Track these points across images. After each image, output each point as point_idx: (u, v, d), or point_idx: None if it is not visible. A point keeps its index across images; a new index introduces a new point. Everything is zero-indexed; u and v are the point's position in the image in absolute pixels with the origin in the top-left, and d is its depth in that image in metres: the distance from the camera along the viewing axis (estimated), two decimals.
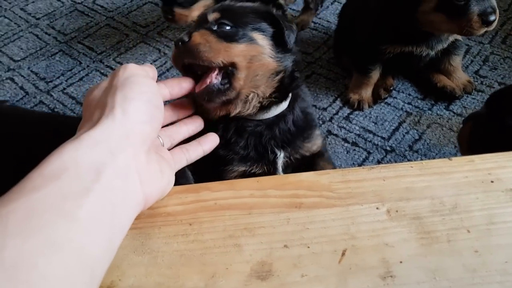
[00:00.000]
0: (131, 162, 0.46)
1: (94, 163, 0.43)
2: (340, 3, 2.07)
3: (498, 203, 0.51)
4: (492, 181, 0.54)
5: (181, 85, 0.64)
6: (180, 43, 0.73)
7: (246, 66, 0.75)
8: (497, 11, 1.26)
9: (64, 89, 1.83)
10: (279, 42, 0.81)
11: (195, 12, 1.65)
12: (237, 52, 0.74)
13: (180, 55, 0.73)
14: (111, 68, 1.93)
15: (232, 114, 0.80)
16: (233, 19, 0.77)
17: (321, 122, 1.61)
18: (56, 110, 1.74)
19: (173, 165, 0.57)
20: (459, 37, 1.52)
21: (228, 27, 0.76)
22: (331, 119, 1.63)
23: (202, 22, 0.79)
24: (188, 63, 0.74)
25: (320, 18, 2.08)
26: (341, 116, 1.64)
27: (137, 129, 0.49)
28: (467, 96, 1.65)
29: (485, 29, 1.27)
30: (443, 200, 0.52)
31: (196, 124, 0.67)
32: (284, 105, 0.85)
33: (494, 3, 1.26)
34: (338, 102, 1.69)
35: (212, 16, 0.77)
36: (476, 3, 1.24)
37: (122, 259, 0.48)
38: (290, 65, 0.83)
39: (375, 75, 1.61)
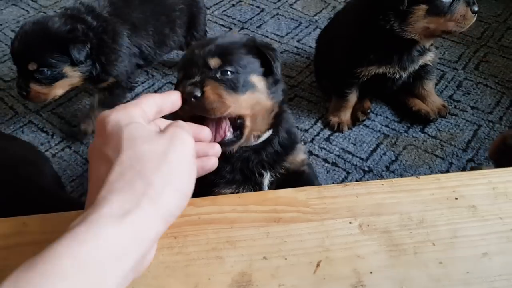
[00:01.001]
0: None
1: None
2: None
3: (461, 218, 0.55)
4: (456, 198, 0.58)
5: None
6: (192, 99, 0.70)
7: (251, 115, 0.79)
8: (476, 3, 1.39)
9: (53, 109, 1.85)
10: (268, 73, 0.84)
11: (57, 90, 1.50)
12: (244, 103, 0.78)
13: (192, 109, 0.71)
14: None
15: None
16: (233, 63, 0.78)
17: (302, 143, 1.66)
18: (45, 129, 1.75)
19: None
20: (429, 62, 1.60)
21: (229, 73, 0.77)
22: (312, 140, 1.68)
23: (200, 65, 0.78)
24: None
25: (303, 44, 2.15)
26: (322, 138, 1.69)
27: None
28: (441, 120, 1.72)
29: (473, 19, 1.38)
30: (411, 215, 0.56)
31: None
32: (270, 130, 0.88)
33: None
34: (319, 124, 1.75)
35: (213, 63, 0.77)
36: None
37: None
38: (281, 97, 0.87)
39: (353, 98, 1.67)
